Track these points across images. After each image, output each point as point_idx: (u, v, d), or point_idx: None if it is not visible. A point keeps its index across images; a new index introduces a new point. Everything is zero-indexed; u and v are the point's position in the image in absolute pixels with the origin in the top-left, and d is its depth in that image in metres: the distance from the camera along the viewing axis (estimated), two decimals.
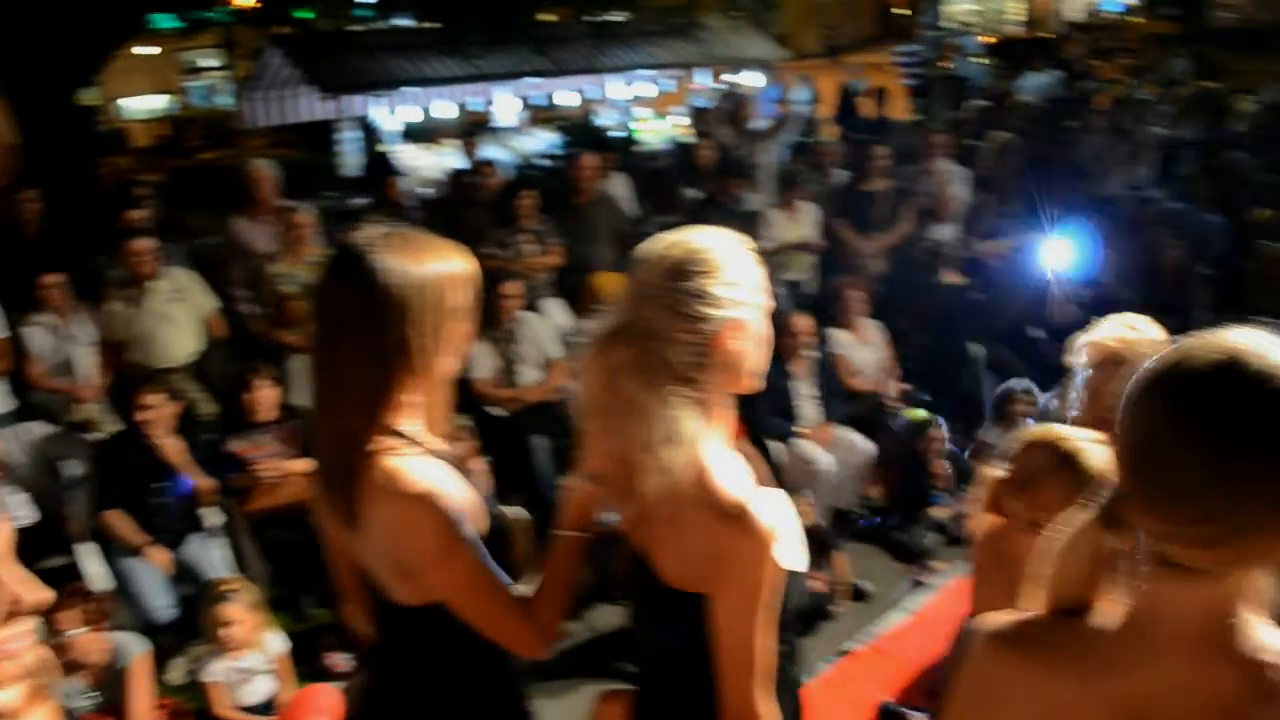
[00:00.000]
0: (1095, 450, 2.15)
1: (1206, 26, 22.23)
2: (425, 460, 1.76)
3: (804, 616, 4.80)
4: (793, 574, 1.69)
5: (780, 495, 1.71)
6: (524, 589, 1.85)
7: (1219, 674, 1.08)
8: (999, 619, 1.25)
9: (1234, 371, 1.04)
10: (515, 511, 1.94)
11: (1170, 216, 7.96)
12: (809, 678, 4.20)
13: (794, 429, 5.64)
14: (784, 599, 1.66)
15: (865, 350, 6.18)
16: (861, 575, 5.11)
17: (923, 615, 4.83)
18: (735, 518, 1.59)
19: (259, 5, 16.01)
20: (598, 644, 4.57)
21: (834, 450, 5.63)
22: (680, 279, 1.64)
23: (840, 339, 6.13)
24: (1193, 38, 19.27)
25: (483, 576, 1.76)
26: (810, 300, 6.80)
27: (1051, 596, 1.21)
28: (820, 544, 5.05)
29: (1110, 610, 1.17)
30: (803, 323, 5.77)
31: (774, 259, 6.79)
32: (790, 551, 1.67)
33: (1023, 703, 1.18)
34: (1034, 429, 2.47)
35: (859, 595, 5.02)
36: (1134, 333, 3.40)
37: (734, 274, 1.67)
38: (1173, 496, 1.05)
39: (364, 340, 1.74)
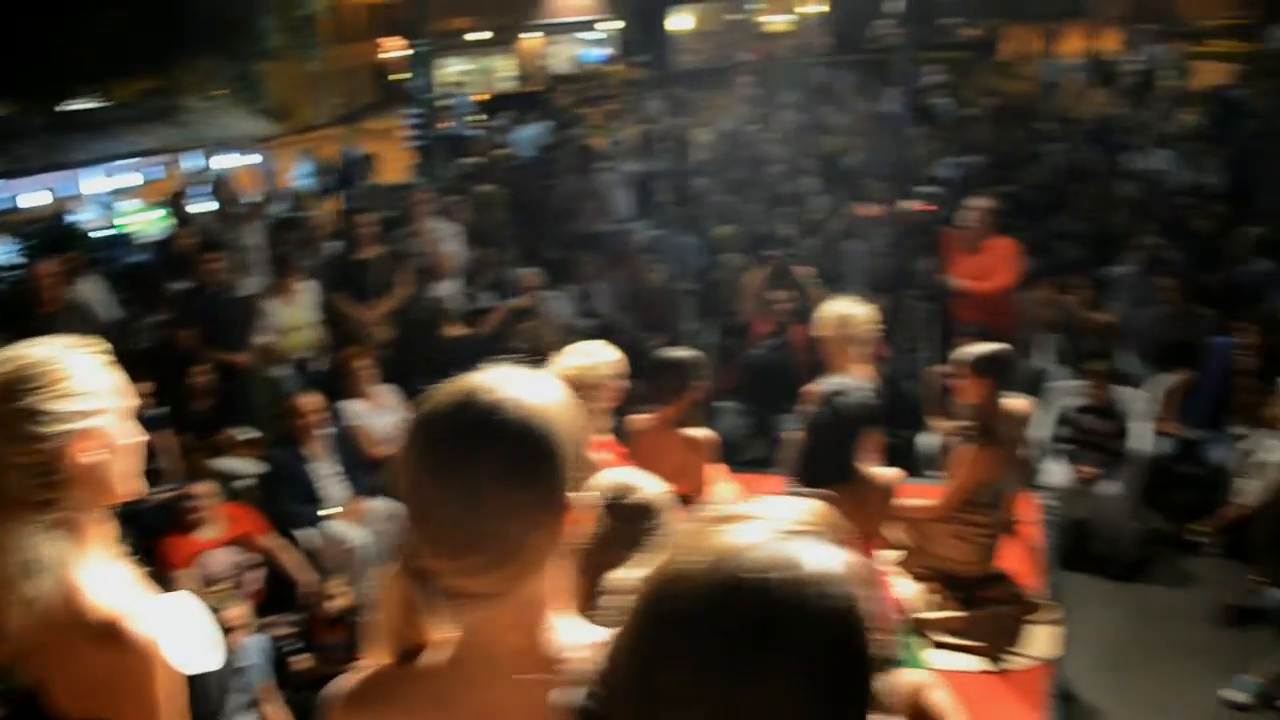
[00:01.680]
0: None
1: (673, 70, 24.98)
2: None
3: None
4: (202, 675, 1.64)
5: (176, 598, 1.65)
6: None
7: (533, 682, 1.17)
8: (348, 679, 1.27)
9: (468, 410, 1.13)
10: None
11: (651, 244, 8.78)
12: None
13: (321, 512, 5.47)
14: (197, 701, 1.61)
15: (382, 416, 6.14)
16: None
17: None
18: (111, 635, 1.52)
19: None
20: None
21: (368, 524, 5.53)
22: (9, 400, 1.52)
23: (354, 410, 6.03)
24: (662, 81, 21.56)
25: None
26: (319, 377, 6.63)
27: (387, 647, 1.25)
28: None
29: (442, 648, 1.23)
30: (310, 402, 5.61)
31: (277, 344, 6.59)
32: (189, 653, 1.61)
33: None
34: None
35: None
36: (588, 359, 3.68)
37: (75, 383, 1.58)
38: (441, 533, 1.12)
39: None
